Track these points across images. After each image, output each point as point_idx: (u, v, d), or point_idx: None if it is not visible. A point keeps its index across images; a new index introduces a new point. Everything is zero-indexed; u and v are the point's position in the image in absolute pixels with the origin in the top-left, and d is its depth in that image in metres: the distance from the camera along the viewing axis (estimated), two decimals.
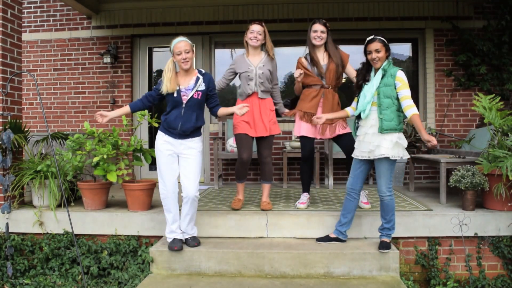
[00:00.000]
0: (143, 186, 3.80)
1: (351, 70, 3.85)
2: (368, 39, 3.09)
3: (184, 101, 3.20)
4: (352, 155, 3.26)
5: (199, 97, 3.23)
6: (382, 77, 3.06)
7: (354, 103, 3.35)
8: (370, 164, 3.21)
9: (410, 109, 3.00)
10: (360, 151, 3.16)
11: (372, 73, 3.16)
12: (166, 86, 3.18)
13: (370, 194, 4.51)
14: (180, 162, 3.26)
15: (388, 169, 3.08)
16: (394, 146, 3.02)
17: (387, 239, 3.20)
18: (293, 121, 5.88)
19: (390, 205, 3.13)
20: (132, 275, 3.37)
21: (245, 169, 3.85)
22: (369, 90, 3.09)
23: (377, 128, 3.07)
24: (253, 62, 3.77)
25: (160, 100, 3.34)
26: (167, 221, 3.30)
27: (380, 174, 3.10)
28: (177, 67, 3.27)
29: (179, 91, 3.20)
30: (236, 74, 3.86)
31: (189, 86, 3.22)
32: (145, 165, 4.66)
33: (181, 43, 3.14)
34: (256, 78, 3.73)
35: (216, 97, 3.40)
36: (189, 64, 3.17)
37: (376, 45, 3.03)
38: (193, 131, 3.25)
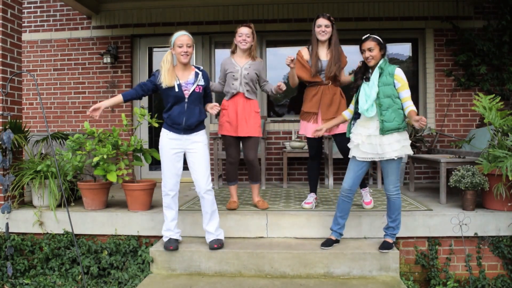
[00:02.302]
0: (143, 186, 3.80)
1: (343, 75, 3.81)
2: (363, 38, 3.09)
3: (187, 96, 3.19)
4: (351, 156, 3.19)
5: (200, 91, 3.24)
6: (380, 76, 3.05)
7: (351, 106, 3.30)
8: (370, 165, 3.21)
9: (408, 108, 3.01)
10: (364, 152, 3.09)
11: (370, 75, 3.13)
12: (164, 78, 3.16)
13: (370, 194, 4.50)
14: (188, 158, 3.26)
15: (396, 168, 3.08)
16: (402, 146, 3.03)
17: (390, 239, 3.19)
18: (293, 121, 5.90)
19: (397, 203, 3.12)
20: (132, 275, 3.37)
21: (235, 170, 3.88)
22: (372, 89, 3.04)
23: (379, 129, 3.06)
24: (239, 63, 3.79)
25: (154, 91, 3.30)
26: (165, 219, 3.29)
27: (388, 173, 3.10)
28: (174, 61, 3.26)
29: (180, 86, 3.19)
30: None
31: (189, 81, 3.22)
32: (145, 165, 4.67)
33: (184, 36, 3.17)
34: (240, 78, 3.74)
35: (210, 94, 3.50)
36: (188, 58, 3.18)
37: (369, 44, 3.03)
38: (197, 125, 3.26)
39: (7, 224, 3.69)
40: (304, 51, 3.79)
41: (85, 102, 6.12)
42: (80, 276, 3.51)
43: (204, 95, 3.36)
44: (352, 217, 3.50)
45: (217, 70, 6.09)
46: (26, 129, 4.06)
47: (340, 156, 4.20)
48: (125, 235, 3.66)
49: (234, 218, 3.57)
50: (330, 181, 5.20)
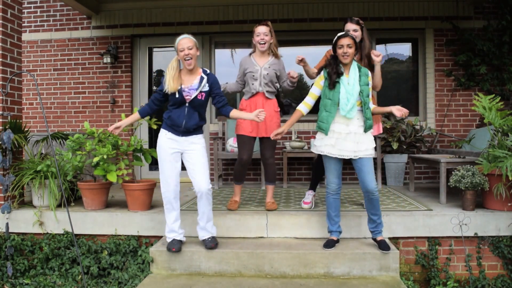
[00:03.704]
0: (143, 186, 3.80)
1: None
2: (339, 34, 3.11)
3: (187, 101, 3.18)
4: (328, 154, 3.13)
5: (203, 98, 3.22)
6: (360, 76, 3.10)
7: (309, 99, 3.26)
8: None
9: (371, 106, 3.19)
10: (339, 150, 3.09)
11: (342, 70, 3.13)
12: (169, 85, 3.14)
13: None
14: (186, 158, 3.25)
15: (372, 164, 3.15)
16: (374, 146, 3.15)
17: (382, 237, 3.21)
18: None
19: (378, 199, 3.15)
20: (132, 275, 3.37)
21: (244, 170, 3.85)
22: (354, 88, 3.06)
23: (362, 127, 3.10)
24: (259, 62, 3.76)
25: (166, 100, 3.31)
26: (167, 221, 3.28)
27: (369, 170, 3.10)
28: (181, 64, 3.25)
29: (180, 91, 3.17)
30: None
31: (192, 86, 3.19)
32: (145, 165, 4.67)
33: (184, 39, 3.15)
34: (260, 78, 3.72)
35: (222, 95, 3.36)
36: (192, 63, 3.15)
37: (349, 40, 3.05)
38: (196, 129, 3.26)
39: (7, 224, 3.69)
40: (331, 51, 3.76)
41: (85, 102, 6.12)
42: (80, 276, 3.52)
43: (214, 97, 3.31)
44: (352, 217, 3.51)
45: (217, 71, 6.09)
46: (26, 129, 4.06)
47: None
48: (125, 235, 3.66)
49: (234, 218, 3.57)
50: None
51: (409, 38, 6.05)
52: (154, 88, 6.32)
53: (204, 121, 3.32)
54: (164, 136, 3.24)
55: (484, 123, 4.89)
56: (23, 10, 4.45)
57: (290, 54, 6.36)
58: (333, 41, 3.12)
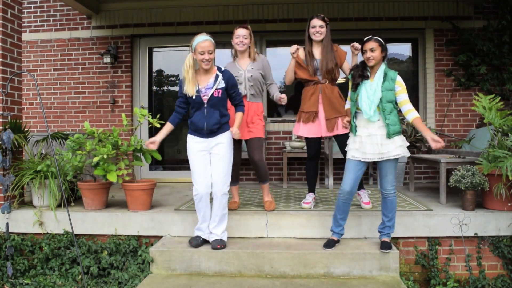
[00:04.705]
0: (143, 186, 3.80)
1: (348, 68, 3.77)
2: (365, 39, 3.11)
3: (205, 101, 3.18)
4: (351, 157, 3.16)
5: (220, 95, 3.21)
6: (383, 81, 3.05)
7: (348, 103, 3.30)
8: (367, 165, 3.22)
9: (411, 113, 3.05)
10: (364, 153, 3.10)
11: (368, 74, 3.13)
12: (187, 88, 3.15)
13: (370, 194, 4.51)
14: (211, 159, 3.28)
15: (394, 167, 3.14)
16: (400, 146, 3.07)
17: (387, 239, 3.20)
18: (294, 121, 5.89)
19: (393, 202, 3.15)
20: (132, 275, 3.37)
21: (236, 171, 3.84)
22: (375, 94, 3.04)
23: (385, 131, 3.06)
24: (242, 66, 3.76)
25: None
26: (198, 219, 3.33)
27: (387, 172, 3.12)
28: (196, 64, 3.23)
29: (198, 92, 3.17)
30: None
31: (208, 85, 3.19)
32: (145, 165, 4.67)
33: (206, 42, 3.10)
34: (245, 81, 3.72)
35: (239, 94, 3.37)
36: (209, 65, 3.16)
37: (371, 44, 3.04)
38: (220, 127, 3.25)
39: (7, 224, 3.69)
40: (300, 50, 3.80)
41: (85, 102, 6.11)
42: (80, 276, 3.52)
43: (230, 96, 3.32)
44: (352, 217, 3.50)
45: None
46: (26, 129, 4.06)
47: (340, 156, 4.20)
48: (125, 235, 3.66)
49: (234, 218, 3.57)
50: (330, 181, 5.20)
51: (409, 38, 6.05)
52: (154, 88, 6.32)
53: (228, 118, 3.31)
54: (192, 140, 3.28)
55: (484, 123, 4.89)
56: (23, 10, 4.45)
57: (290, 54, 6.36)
58: (361, 46, 3.14)
